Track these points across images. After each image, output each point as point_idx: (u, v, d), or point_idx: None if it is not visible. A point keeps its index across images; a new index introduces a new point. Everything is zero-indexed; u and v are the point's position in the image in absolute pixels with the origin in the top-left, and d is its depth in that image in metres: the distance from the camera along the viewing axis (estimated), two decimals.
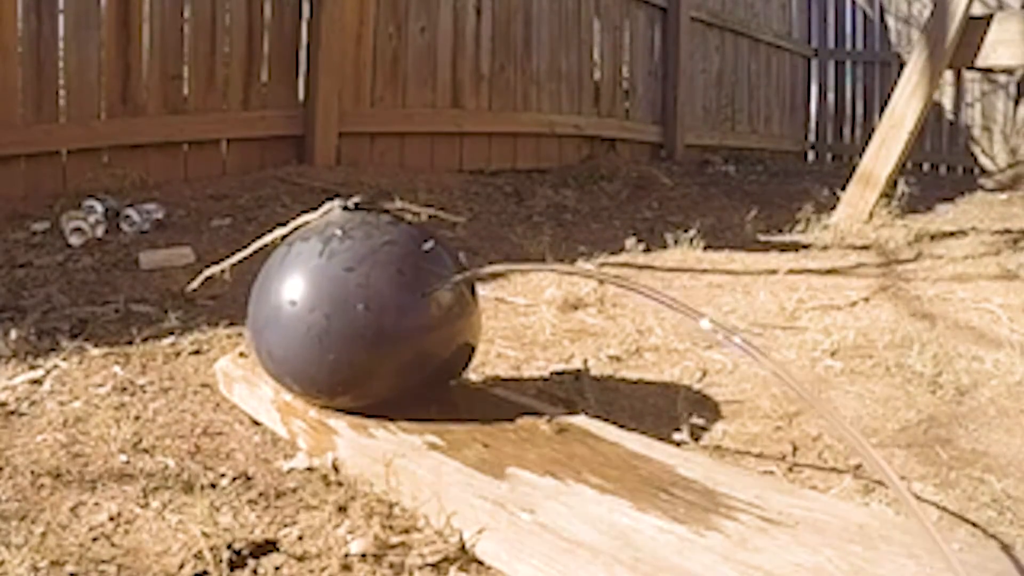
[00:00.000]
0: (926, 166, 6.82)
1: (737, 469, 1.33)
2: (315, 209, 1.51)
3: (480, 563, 1.11)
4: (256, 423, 1.53)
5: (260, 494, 1.28)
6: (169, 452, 1.41)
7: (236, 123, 3.60)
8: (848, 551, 1.01)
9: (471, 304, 1.48)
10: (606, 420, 1.43)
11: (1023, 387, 1.78)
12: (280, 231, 1.52)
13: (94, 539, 1.16)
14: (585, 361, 1.90)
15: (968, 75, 6.51)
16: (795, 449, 1.52)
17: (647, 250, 3.12)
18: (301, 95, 3.79)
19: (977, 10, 3.71)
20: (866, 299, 2.48)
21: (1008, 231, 3.62)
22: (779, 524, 1.07)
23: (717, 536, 1.05)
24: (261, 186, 3.46)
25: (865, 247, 3.33)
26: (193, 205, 3.17)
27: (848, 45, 7.27)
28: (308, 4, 3.78)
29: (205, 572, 1.08)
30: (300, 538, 1.17)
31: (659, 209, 4.29)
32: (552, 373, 1.85)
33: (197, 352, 1.89)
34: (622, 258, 3.01)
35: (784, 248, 3.33)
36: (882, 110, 3.94)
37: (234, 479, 1.32)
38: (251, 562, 1.11)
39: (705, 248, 3.15)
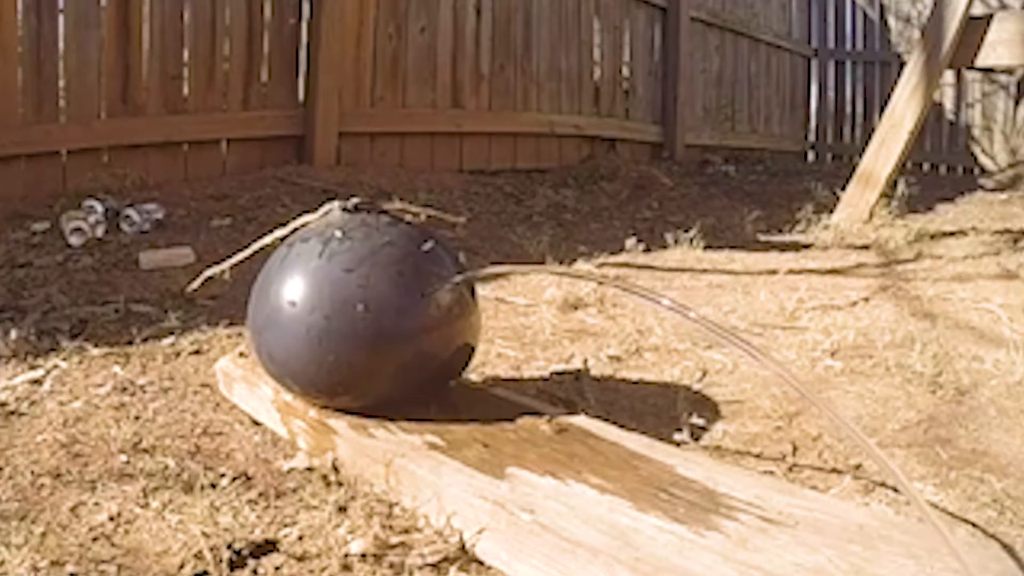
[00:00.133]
0: (926, 166, 6.82)
1: (737, 469, 1.33)
2: (315, 209, 1.51)
3: (480, 563, 1.11)
4: (256, 423, 1.53)
5: (260, 494, 1.28)
6: (169, 452, 1.41)
7: (236, 123, 3.60)
8: (848, 551, 1.01)
9: (471, 304, 1.48)
10: (606, 420, 1.43)
11: (1023, 387, 1.78)
12: (280, 232, 1.52)
13: (94, 539, 1.16)
14: (585, 361, 1.90)
15: (969, 75, 6.50)
16: (795, 449, 1.52)
17: (647, 250, 3.12)
18: (301, 95, 3.79)
19: (977, 10, 3.70)
20: (866, 299, 2.48)
21: (1008, 231, 3.62)
22: (779, 524, 1.07)
23: (717, 536, 1.05)
24: (261, 186, 3.46)
25: (865, 247, 3.33)
26: (193, 205, 3.17)
27: (848, 45, 7.27)
28: (308, 4, 3.78)
29: (205, 572, 1.08)
30: (300, 538, 1.17)
31: (659, 209, 4.29)
32: (552, 373, 1.85)
33: (197, 352, 1.89)
34: (622, 258, 3.01)
35: (784, 248, 3.33)
36: (882, 110, 3.94)
37: (234, 479, 1.32)
38: (251, 562, 1.11)
39: (705, 248, 3.16)
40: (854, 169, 3.90)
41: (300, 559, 1.12)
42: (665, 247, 3.17)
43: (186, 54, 3.43)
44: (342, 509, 1.23)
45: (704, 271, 2.86)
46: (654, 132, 5.69)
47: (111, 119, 3.23)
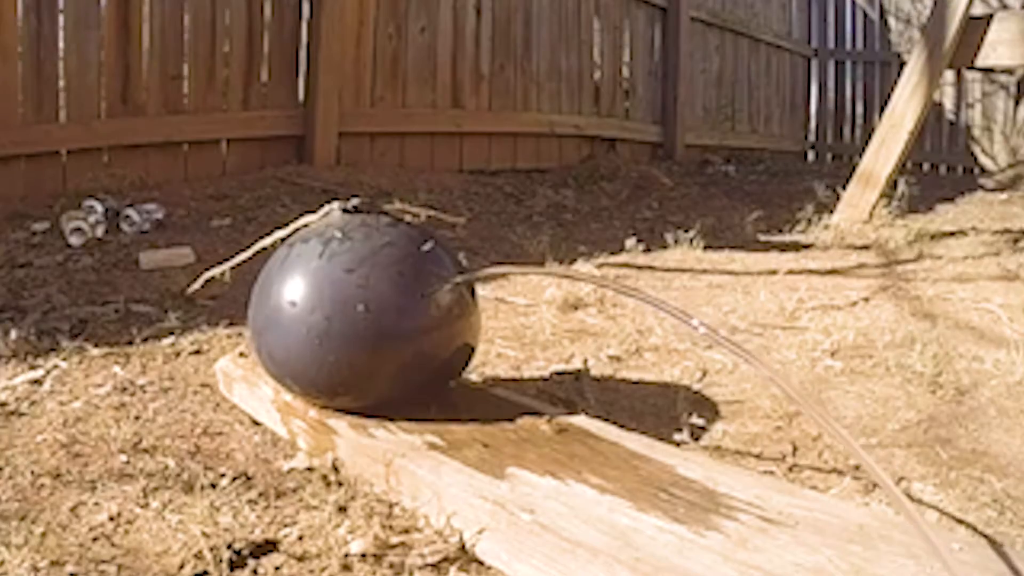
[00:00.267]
0: (926, 166, 6.82)
1: (737, 469, 1.33)
2: (315, 209, 1.51)
3: (480, 563, 1.11)
4: (256, 423, 1.53)
5: (260, 494, 1.28)
6: (169, 452, 1.41)
7: (236, 123, 3.60)
8: (848, 551, 1.01)
9: (471, 305, 1.48)
10: (606, 420, 1.43)
11: (1023, 387, 1.78)
12: (280, 233, 1.52)
13: (94, 539, 1.16)
14: (585, 361, 1.90)
15: (969, 75, 6.51)
16: (795, 449, 1.52)
17: (647, 250, 3.12)
18: (301, 95, 3.79)
19: (977, 10, 3.71)
20: (866, 299, 2.48)
21: (1008, 231, 3.62)
22: (779, 524, 1.07)
23: (717, 536, 1.05)
24: (261, 186, 3.46)
25: (865, 247, 3.33)
26: (193, 205, 3.17)
27: (848, 45, 7.27)
28: (308, 4, 3.78)
29: (205, 572, 1.08)
30: (300, 538, 1.17)
31: (659, 209, 4.29)
32: (552, 373, 1.85)
33: (197, 352, 1.89)
34: (622, 258, 3.01)
35: (784, 248, 3.33)
36: (882, 110, 3.94)
37: (234, 479, 1.32)
38: (251, 562, 1.11)
39: (705, 248, 3.16)
40: (854, 169, 3.90)
41: (300, 559, 1.12)
42: (665, 247, 3.17)
43: (186, 54, 3.43)
44: (342, 509, 1.23)
45: (704, 271, 2.86)
46: (654, 132, 5.69)
47: (111, 119, 3.23)
